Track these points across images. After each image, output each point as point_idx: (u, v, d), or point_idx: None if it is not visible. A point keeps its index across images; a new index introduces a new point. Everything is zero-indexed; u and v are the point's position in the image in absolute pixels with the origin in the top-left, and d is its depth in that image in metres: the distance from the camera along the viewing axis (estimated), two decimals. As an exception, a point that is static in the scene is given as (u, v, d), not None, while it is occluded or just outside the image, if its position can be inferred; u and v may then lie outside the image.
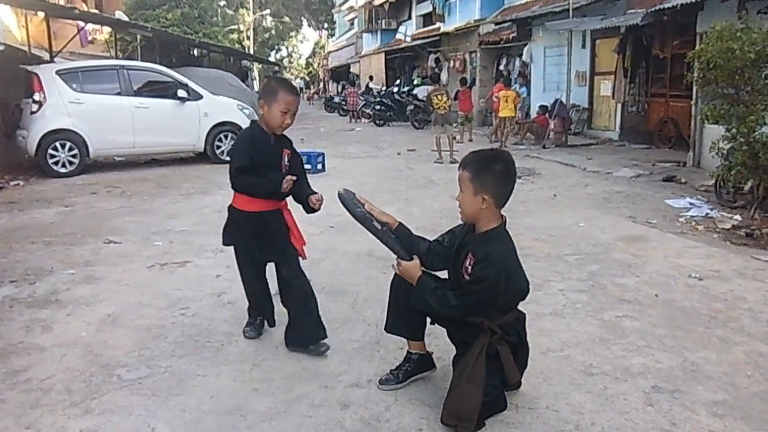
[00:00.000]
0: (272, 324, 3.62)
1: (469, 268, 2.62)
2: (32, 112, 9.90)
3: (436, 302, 2.69)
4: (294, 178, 3.29)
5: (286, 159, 3.36)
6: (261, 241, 3.36)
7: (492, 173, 2.60)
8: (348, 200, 2.91)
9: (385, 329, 3.05)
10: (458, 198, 2.69)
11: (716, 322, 3.79)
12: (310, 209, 3.41)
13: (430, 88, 14.13)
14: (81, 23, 15.91)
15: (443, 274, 2.89)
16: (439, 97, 11.71)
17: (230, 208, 3.43)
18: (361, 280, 4.60)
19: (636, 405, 2.82)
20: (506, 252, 2.63)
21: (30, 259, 5.24)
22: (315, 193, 3.39)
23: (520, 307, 2.83)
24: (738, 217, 6.46)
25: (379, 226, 2.88)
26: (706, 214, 6.76)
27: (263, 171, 3.25)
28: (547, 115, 14.12)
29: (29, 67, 10.60)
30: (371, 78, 29.46)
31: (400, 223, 2.95)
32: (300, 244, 3.44)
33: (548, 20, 15.02)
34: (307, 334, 3.38)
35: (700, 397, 2.89)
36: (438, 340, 3.16)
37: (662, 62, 12.67)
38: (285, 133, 3.36)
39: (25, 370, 3.22)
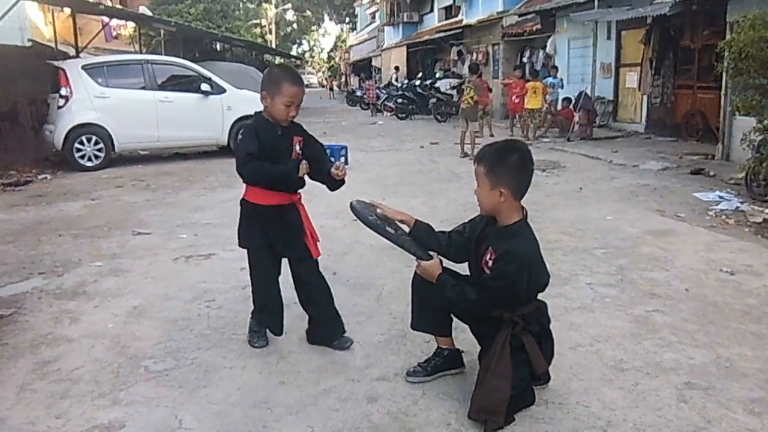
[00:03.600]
0: (279, 333, 3.40)
1: (490, 262, 2.59)
2: (59, 107, 10.03)
3: (456, 298, 2.66)
4: (305, 163, 3.06)
5: (297, 147, 3.16)
6: (278, 235, 3.21)
7: (507, 165, 2.55)
8: (359, 210, 2.86)
9: (411, 327, 3.02)
10: (476, 192, 2.65)
11: (750, 317, 3.69)
12: (334, 183, 3.21)
13: (454, 81, 13.94)
14: (106, 19, 16.08)
15: (464, 270, 2.85)
16: (467, 90, 11.41)
17: (242, 202, 3.27)
18: (386, 273, 4.57)
19: (669, 401, 2.76)
20: (528, 247, 2.58)
21: (58, 252, 5.30)
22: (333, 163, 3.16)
23: (545, 298, 2.78)
24: (770, 210, 6.31)
25: (392, 231, 2.83)
26: (737, 207, 6.61)
27: (273, 163, 3.07)
28: (571, 107, 13.94)
29: (56, 63, 10.75)
30: (397, 69, 29.22)
31: (417, 220, 2.88)
32: (313, 243, 3.29)
33: (573, 11, 14.82)
34: (328, 333, 3.36)
35: (736, 394, 2.81)
36: (465, 334, 3.11)
37: (690, 53, 12.42)
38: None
39: (54, 361, 3.25)
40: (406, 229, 2.90)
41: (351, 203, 2.89)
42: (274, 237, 3.22)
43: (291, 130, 3.16)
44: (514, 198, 2.58)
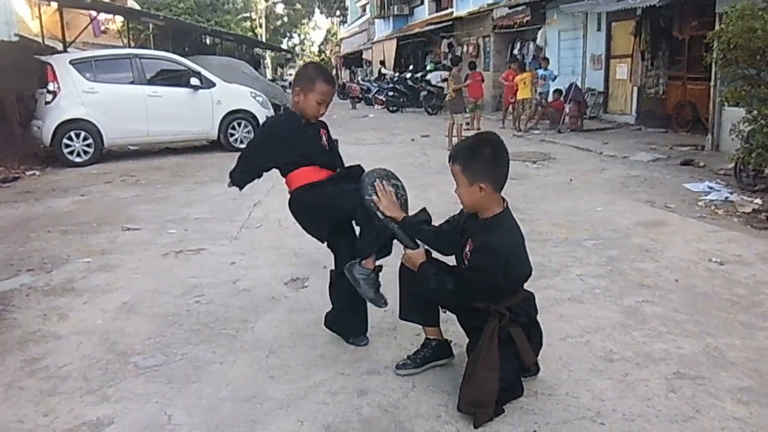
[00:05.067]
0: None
1: (469, 254, 2.59)
2: (47, 102, 9.95)
3: (435, 287, 2.68)
4: None
5: (324, 138, 3.21)
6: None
7: (482, 160, 2.54)
8: (366, 183, 2.92)
9: (399, 317, 3.03)
10: (456, 191, 2.64)
11: (739, 307, 3.71)
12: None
13: (445, 74, 13.95)
14: (93, 13, 15.95)
15: (451, 261, 2.86)
16: (449, 83, 11.55)
17: (296, 196, 3.15)
18: (377, 267, 4.55)
19: (658, 391, 2.77)
20: (507, 240, 2.57)
21: (46, 248, 5.26)
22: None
23: (535, 290, 2.79)
24: (759, 200, 6.34)
25: (381, 216, 2.88)
26: (726, 198, 6.64)
27: (303, 157, 3.08)
28: (562, 99, 13.95)
29: (43, 58, 10.65)
30: (382, 63, 29.32)
31: (405, 215, 2.92)
32: None
33: (563, 3, 14.81)
34: (352, 328, 3.33)
35: (724, 383, 2.83)
36: (454, 326, 3.11)
37: (680, 44, 12.44)
38: None
39: (42, 358, 3.23)
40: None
41: (367, 172, 2.95)
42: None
43: (318, 123, 3.22)
44: (494, 190, 2.57)
